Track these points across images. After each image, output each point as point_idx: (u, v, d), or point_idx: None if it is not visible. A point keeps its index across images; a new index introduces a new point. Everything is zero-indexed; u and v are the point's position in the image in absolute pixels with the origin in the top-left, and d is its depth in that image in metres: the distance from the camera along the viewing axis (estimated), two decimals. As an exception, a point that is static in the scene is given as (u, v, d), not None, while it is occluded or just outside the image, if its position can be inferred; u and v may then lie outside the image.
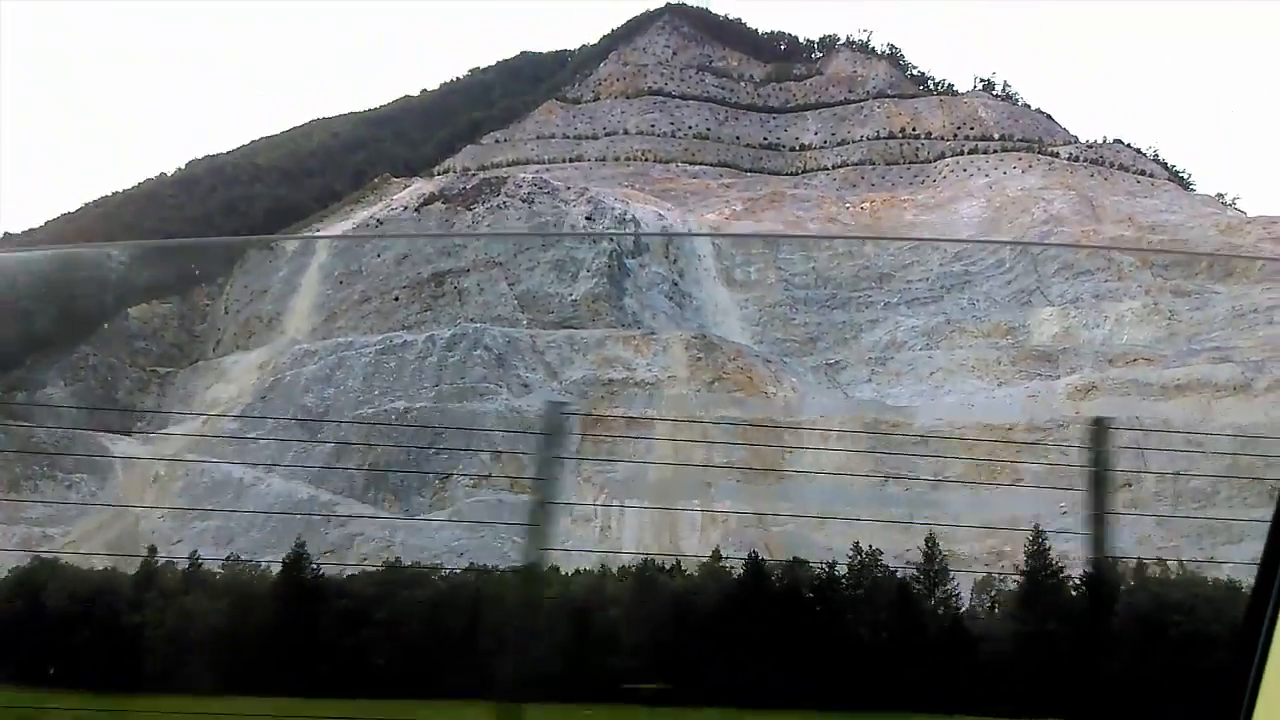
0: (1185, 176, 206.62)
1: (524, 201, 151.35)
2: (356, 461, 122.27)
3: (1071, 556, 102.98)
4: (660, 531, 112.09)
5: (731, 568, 48.69)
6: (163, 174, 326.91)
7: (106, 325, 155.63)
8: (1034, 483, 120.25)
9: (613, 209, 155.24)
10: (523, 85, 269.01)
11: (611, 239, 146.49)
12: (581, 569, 55.43)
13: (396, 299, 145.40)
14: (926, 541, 50.52)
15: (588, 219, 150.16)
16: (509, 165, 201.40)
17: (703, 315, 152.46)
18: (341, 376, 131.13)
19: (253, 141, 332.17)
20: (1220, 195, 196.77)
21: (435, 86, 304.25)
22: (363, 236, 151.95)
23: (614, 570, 55.70)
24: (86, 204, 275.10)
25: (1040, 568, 44.51)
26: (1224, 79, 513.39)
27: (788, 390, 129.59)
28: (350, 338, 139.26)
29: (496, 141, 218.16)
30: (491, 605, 36.42)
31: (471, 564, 48.44)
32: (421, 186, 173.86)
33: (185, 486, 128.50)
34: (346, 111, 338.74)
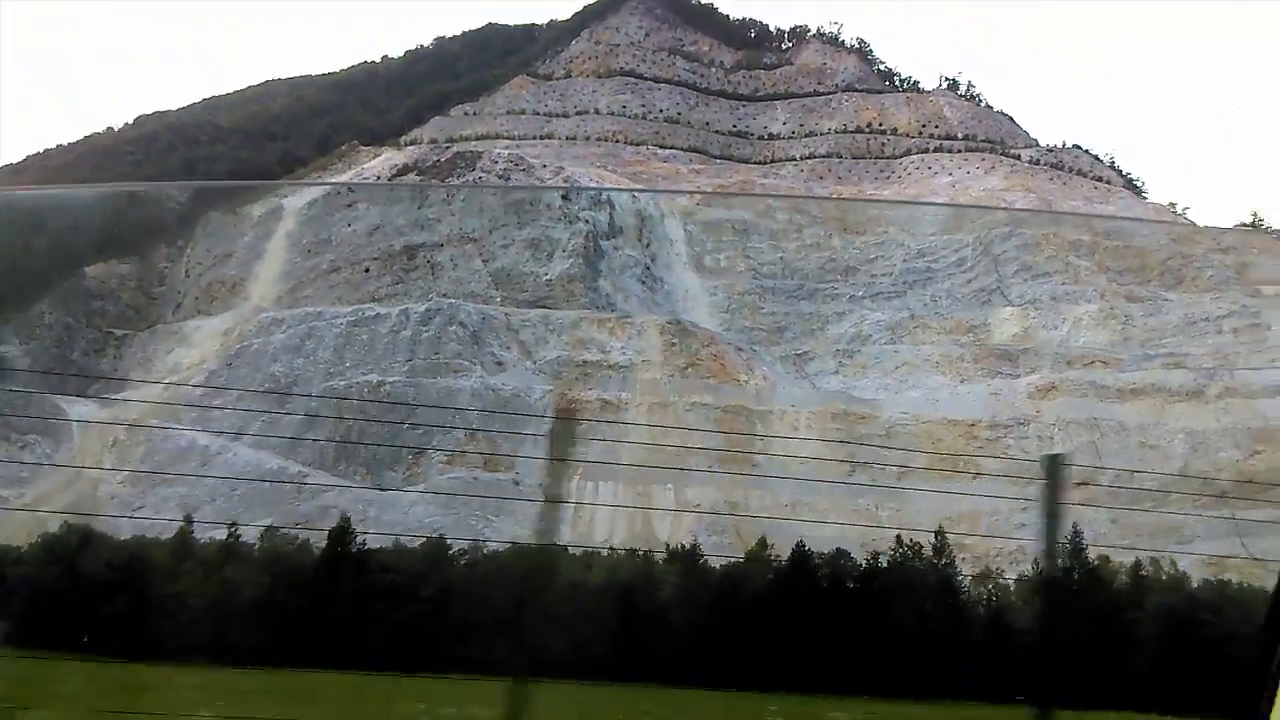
0: (1139, 184, 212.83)
1: (500, 178, 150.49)
2: (326, 434, 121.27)
3: (1028, 550, 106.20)
4: (633, 515, 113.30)
5: (777, 557, 49.72)
6: (110, 128, 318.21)
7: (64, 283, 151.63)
8: (995, 478, 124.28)
9: (588, 189, 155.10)
10: (490, 58, 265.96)
11: (587, 221, 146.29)
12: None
13: (367, 270, 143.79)
14: (936, 535, 52.11)
15: (564, 198, 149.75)
16: (478, 139, 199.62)
17: (673, 300, 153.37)
18: (311, 347, 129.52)
19: (205, 100, 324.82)
20: (1172, 204, 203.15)
21: (399, 54, 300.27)
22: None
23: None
24: (31, 156, 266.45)
25: (1076, 566, 46.08)
26: (1177, 89, 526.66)
27: (759, 379, 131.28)
28: (319, 308, 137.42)
29: (466, 114, 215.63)
30: (538, 584, 36.90)
31: (514, 541, 48.55)
32: (393, 156, 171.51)
33: (147, 452, 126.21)
34: (304, 74, 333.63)
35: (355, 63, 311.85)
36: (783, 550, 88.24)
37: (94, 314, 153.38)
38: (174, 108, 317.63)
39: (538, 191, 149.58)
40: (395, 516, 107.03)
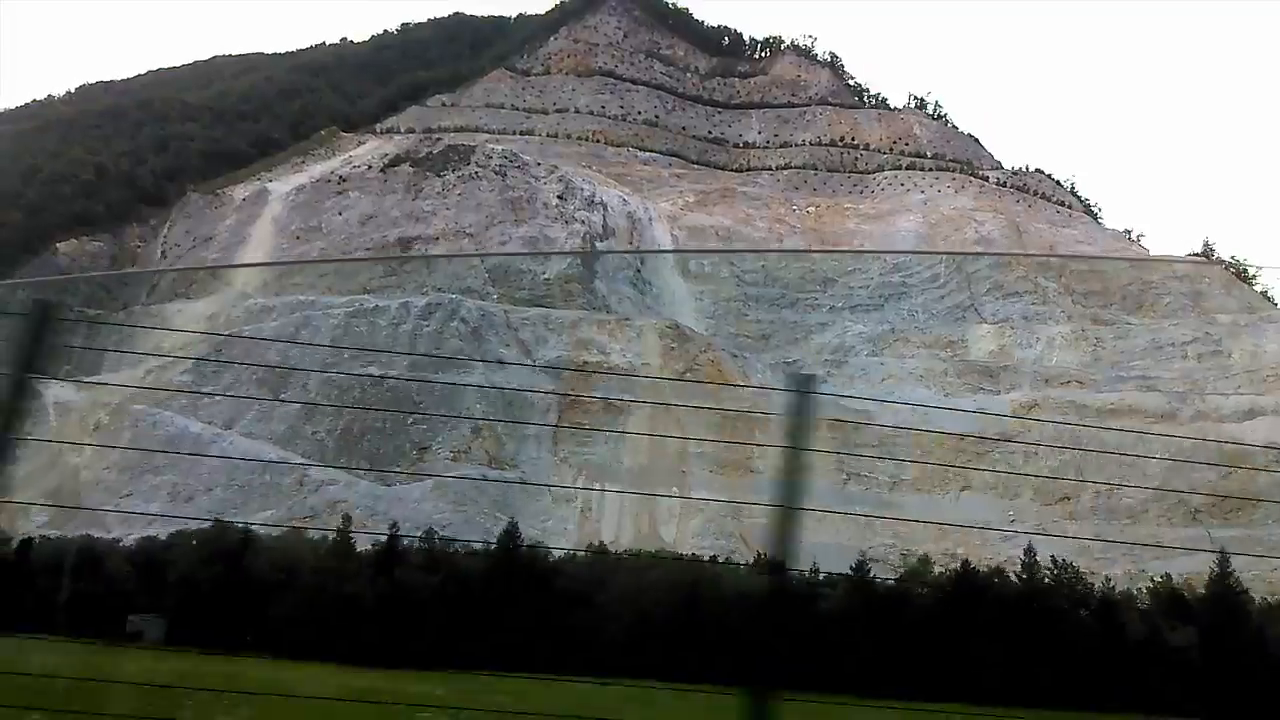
0: (1096, 210, 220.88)
1: (496, 174, 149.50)
2: (327, 426, 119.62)
3: (1019, 560, 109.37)
4: (639, 516, 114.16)
5: (938, 567, 50.91)
6: (51, 96, 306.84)
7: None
8: (984, 490, 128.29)
9: (582, 190, 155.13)
10: (461, 49, 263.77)
11: (584, 221, 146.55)
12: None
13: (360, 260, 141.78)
14: (1025, 553, 53.96)
15: (559, 198, 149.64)
16: (456, 130, 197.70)
17: (661, 303, 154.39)
18: (307, 336, 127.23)
19: (152, 73, 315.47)
20: (1128, 231, 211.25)
21: (364, 38, 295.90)
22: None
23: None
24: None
25: (1223, 586, 48.02)
26: (1129, 119, 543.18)
27: (755, 385, 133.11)
28: (312, 296, 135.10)
29: (444, 105, 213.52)
30: (710, 593, 37.57)
31: (692, 554, 48.14)
32: (380, 145, 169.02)
33: (133, 438, 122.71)
34: (254, 51, 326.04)
35: (314, 44, 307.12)
36: (802, 561, 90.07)
37: (64, 292, 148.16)
38: (117, 79, 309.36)
39: (534, 189, 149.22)
40: (404, 512, 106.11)
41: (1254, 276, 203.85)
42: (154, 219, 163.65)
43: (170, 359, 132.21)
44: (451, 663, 35.29)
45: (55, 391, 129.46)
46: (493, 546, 46.56)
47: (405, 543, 61.97)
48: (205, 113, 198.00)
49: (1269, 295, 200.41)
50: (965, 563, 52.22)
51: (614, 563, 47.63)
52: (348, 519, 53.46)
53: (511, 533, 46.70)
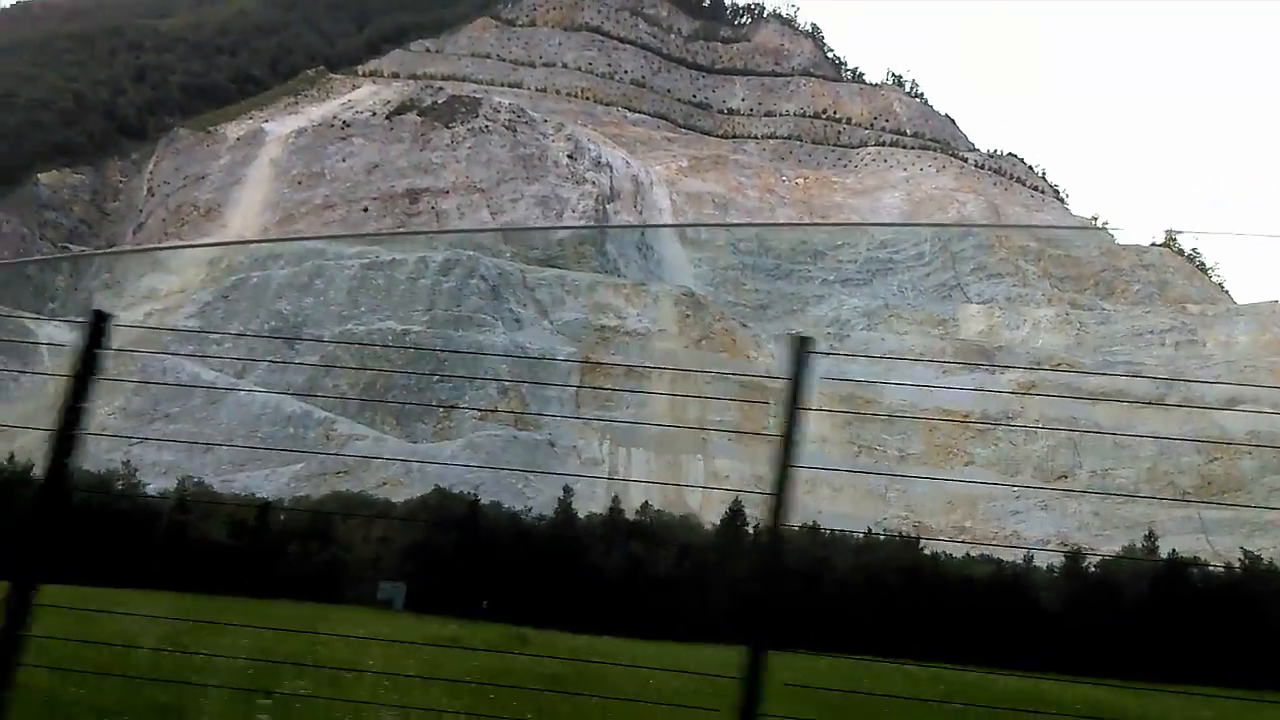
0: (1064, 196, 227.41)
1: (507, 128, 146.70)
2: (349, 380, 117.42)
3: (1024, 536, 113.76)
4: (665, 484, 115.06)
5: (1159, 558, 52.52)
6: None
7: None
8: (986, 466, 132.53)
9: (589, 150, 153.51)
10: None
11: (594, 183, 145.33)
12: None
13: (365, 210, 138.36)
14: (1146, 538, 56.14)
15: (570, 157, 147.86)
16: (444, 79, 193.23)
17: (663, 269, 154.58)
18: (321, 286, 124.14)
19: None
20: (1095, 218, 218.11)
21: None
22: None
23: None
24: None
25: None
26: (1093, 105, 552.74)
27: (766, 356, 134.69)
28: (321, 245, 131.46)
29: (427, 50, 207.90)
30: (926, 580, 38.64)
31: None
32: (378, 90, 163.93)
33: (140, 384, 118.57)
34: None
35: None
36: (807, 524, 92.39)
37: (47, 226, 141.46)
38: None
39: (544, 146, 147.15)
40: (437, 470, 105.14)
41: (1211, 268, 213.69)
42: (136, 153, 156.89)
43: (165, 303, 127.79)
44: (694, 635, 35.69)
45: (48, 330, 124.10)
46: (720, 523, 46.76)
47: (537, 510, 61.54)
48: (180, 44, 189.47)
49: (1224, 288, 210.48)
50: (1173, 551, 54.57)
51: (829, 541, 48.26)
52: (568, 489, 52.23)
53: (736, 510, 46.59)
